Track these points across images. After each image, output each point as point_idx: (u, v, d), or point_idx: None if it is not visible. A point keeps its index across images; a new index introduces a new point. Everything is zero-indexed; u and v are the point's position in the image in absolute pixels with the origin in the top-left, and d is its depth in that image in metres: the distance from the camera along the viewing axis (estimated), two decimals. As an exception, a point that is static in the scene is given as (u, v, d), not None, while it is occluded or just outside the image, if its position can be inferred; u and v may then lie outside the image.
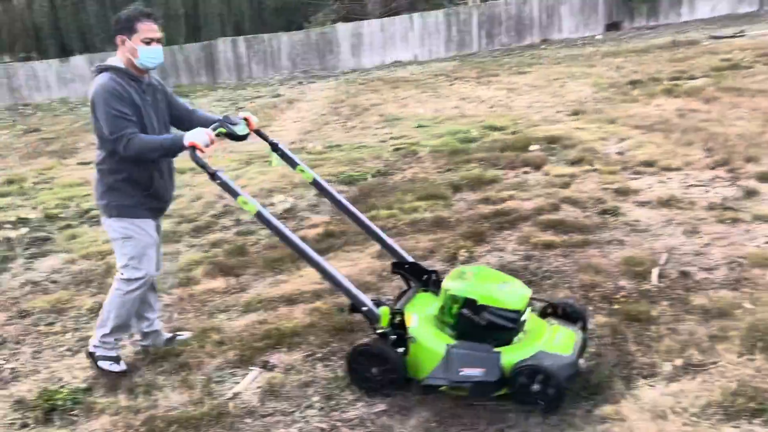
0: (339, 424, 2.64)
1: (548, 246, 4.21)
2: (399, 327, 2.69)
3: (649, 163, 5.82)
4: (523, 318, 2.66)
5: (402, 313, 2.73)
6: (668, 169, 5.63)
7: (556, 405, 2.46)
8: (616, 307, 3.27)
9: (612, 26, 26.29)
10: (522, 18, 25.65)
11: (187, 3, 24.65)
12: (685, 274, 3.56)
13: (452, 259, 4.19)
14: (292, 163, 3.19)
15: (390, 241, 3.19)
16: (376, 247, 3.93)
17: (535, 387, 2.44)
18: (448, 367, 2.55)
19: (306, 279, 4.08)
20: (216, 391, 2.98)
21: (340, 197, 3.23)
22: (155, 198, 3.10)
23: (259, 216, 2.82)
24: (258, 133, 3.15)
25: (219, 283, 4.28)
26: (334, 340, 3.27)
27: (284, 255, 4.46)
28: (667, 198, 4.84)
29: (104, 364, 3.17)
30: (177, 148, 2.83)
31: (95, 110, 2.89)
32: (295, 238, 2.82)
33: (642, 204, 4.84)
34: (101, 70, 2.93)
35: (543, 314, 2.93)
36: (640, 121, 7.50)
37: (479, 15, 25.21)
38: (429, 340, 2.67)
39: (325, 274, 2.80)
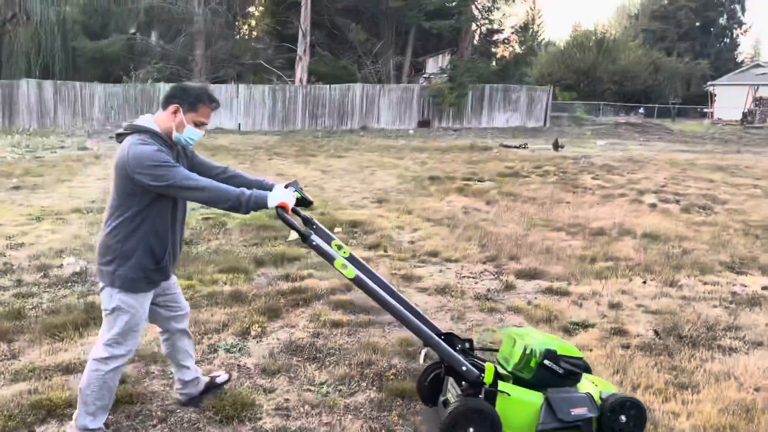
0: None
1: (336, 324, 4.55)
2: (493, 384, 2.89)
3: (433, 253, 6.54)
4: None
5: (495, 370, 2.94)
6: (449, 260, 6.38)
7: (642, 426, 2.98)
8: (385, 383, 3.65)
9: (424, 123, 28.90)
10: (344, 104, 27.21)
11: (-10, 35, 22.62)
12: (446, 356, 4.08)
13: (245, 334, 4.33)
14: (327, 238, 3.09)
15: (424, 315, 3.18)
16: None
17: (622, 417, 2.94)
18: (557, 411, 2.88)
19: (88, 347, 3.95)
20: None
21: (374, 271, 3.16)
22: (162, 272, 2.94)
23: (356, 281, 2.86)
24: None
25: (-14, 348, 3.96)
26: (111, 412, 3.22)
27: (66, 321, 4.28)
28: (443, 286, 5.48)
29: None
30: (256, 206, 2.71)
31: (130, 168, 2.68)
32: (395, 304, 2.91)
33: (422, 290, 5.43)
34: (135, 130, 2.81)
35: None
36: (432, 215, 8.39)
37: (305, 95, 26.31)
38: (521, 392, 2.93)
39: (430, 342, 2.93)
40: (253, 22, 36.13)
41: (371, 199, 9.52)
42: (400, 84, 29.16)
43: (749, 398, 3.45)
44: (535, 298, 5.25)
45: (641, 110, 44.57)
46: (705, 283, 5.75)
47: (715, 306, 5.10)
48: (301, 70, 27.53)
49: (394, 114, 28.06)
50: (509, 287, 5.53)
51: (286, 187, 2.89)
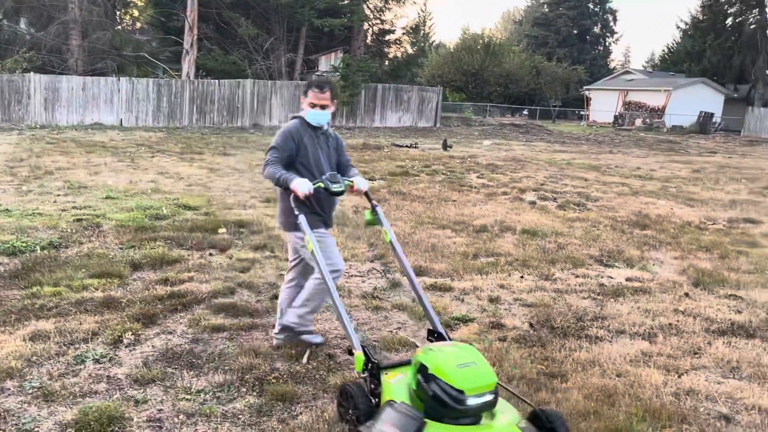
0: None
1: (217, 329, 4.38)
2: (374, 379, 2.93)
3: (321, 253, 6.49)
4: (473, 404, 2.54)
5: (378, 367, 2.93)
6: (337, 259, 6.35)
7: None
8: (266, 387, 3.56)
9: (316, 121, 28.60)
10: (235, 100, 26.48)
11: None
12: (330, 356, 4.06)
13: (116, 343, 4.08)
14: (380, 223, 3.70)
15: (431, 311, 3.39)
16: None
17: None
18: (378, 419, 2.59)
19: None
20: None
21: (405, 260, 3.61)
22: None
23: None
24: (366, 195, 3.81)
25: None
26: (-45, 437, 2.91)
27: None
28: (330, 286, 5.45)
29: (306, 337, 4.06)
30: (284, 184, 3.62)
31: None
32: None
33: (309, 290, 5.36)
34: (293, 117, 3.91)
35: (531, 420, 2.74)
36: (322, 214, 8.33)
37: (192, 90, 25.33)
38: (389, 395, 2.79)
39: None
40: (136, 13, 34.31)
41: (260, 198, 9.31)
42: (293, 81, 28.80)
43: (611, 384, 3.69)
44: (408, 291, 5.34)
45: (525, 112, 46.91)
46: (577, 276, 6.12)
47: (584, 298, 5.43)
48: (188, 65, 26.47)
49: (287, 111, 27.66)
50: (395, 285, 5.60)
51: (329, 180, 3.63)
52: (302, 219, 3.55)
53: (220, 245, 6.60)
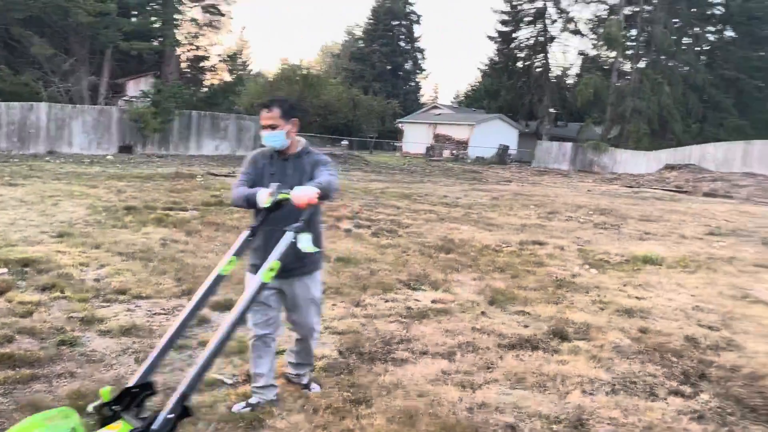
0: None
1: (-12, 385, 3.83)
2: None
3: (122, 291, 6.01)
4: None
5: None
6: (139, 297, 5.92)
7: None
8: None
9: (125, 149, 26.98)
10: (26, 125, 23.96)
11: None
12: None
13: None
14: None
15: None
16: None
17: None
18: None
19: None
20: None
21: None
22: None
23: None
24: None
25: None
26: None
27: None
28: (129, 326, 5.04)
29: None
30: (254, 200, 3.29)
31: None
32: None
33: (104, 333, 4.91)
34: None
35: None
36: (125, 248, 7.75)
37: (-27, 113, 22.42)
38: None
39: None
40: None
41: (51, 234, 8.41)
42: (96, 106, 26.76)
43: (413, 404, 3.83)
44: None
45: (345, 142, 48.26)
46: (386, 301, 6.33)
47: (392, 321, 5.63)
48: (-32, 84, 23.45)
49: (91, 138, 25.61)
50: (203, 321, 5.35)
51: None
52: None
53: (-2, 288, 5.82)
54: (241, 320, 2.84)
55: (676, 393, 4.33)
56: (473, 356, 4.82)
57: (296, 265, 3.53)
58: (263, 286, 2.95)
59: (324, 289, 6.54)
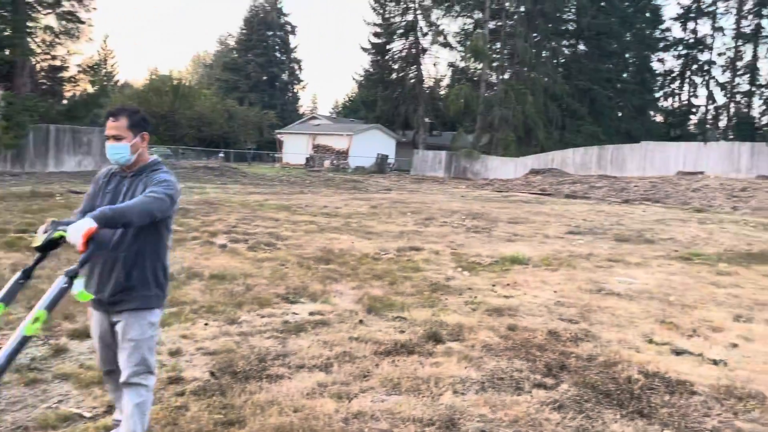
0: None
1: None
2: None
3: (-33, 325, 5.42)
4: None
5: None
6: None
7: None
8: None
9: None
10: None
11: None
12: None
13: None
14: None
15: None
16: None
17: None
18: None
19: None
20: None
21: None
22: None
23: None
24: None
25: None
26: None
27: None
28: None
29: None
30: None
31: None
32: None
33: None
34: None
35: None
36: (-32, 277, 7.01)
37: None
38: None
39: None
40: None
41: None
42: (-64, 120, 24.11)
43: (288, 421, 3.77)
44: (90, 358, 4.81)
45: (221, 154, 46.95)
46: (263, 317, 6.19)
47: (268, 337, 5.51)
48: None
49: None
50: (60, 351, 4.95)
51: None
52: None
53: None
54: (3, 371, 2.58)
55: (540, 385, 4.60)
56: (350, 366, 4.83)
57: (122, 298, 3.15)
58: (25, 341, 2.62)
59: (194, 308, 6.29)
